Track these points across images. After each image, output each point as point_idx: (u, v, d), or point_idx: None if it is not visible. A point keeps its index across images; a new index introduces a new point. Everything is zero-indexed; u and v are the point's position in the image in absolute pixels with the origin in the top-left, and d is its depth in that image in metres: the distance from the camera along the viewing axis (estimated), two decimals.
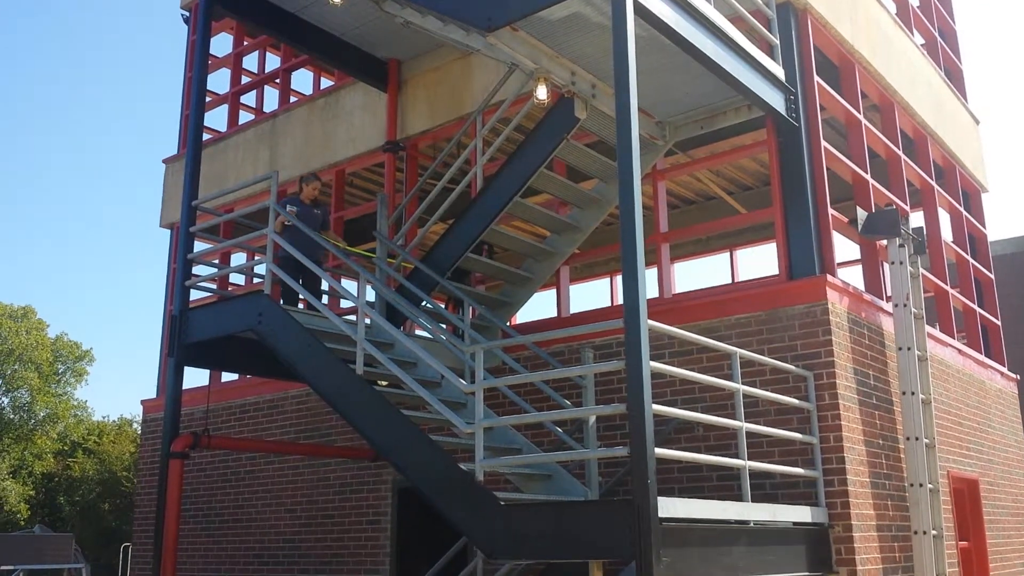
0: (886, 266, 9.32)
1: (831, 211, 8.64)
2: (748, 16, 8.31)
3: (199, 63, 9.89)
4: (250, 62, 14.30)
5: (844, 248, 11.83)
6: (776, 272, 8.65)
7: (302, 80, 18.53)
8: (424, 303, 9.46)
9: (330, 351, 7.91)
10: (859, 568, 7.50)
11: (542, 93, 8.53)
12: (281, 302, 9.15)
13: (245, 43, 13.95)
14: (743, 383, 7.28)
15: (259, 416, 12.10)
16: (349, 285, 13.97)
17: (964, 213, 12.62)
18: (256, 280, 12.51)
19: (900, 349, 8.82)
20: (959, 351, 11.04)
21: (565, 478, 7.59)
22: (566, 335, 8.83)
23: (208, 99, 13.05)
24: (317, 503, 11.20)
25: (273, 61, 14.12)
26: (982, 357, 11.90)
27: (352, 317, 9.71)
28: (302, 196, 10.03)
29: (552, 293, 11.14)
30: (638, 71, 6.46)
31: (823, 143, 8.81)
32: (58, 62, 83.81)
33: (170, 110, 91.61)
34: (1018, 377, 13.27)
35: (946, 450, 9.74)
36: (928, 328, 9.48)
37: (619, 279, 6.31)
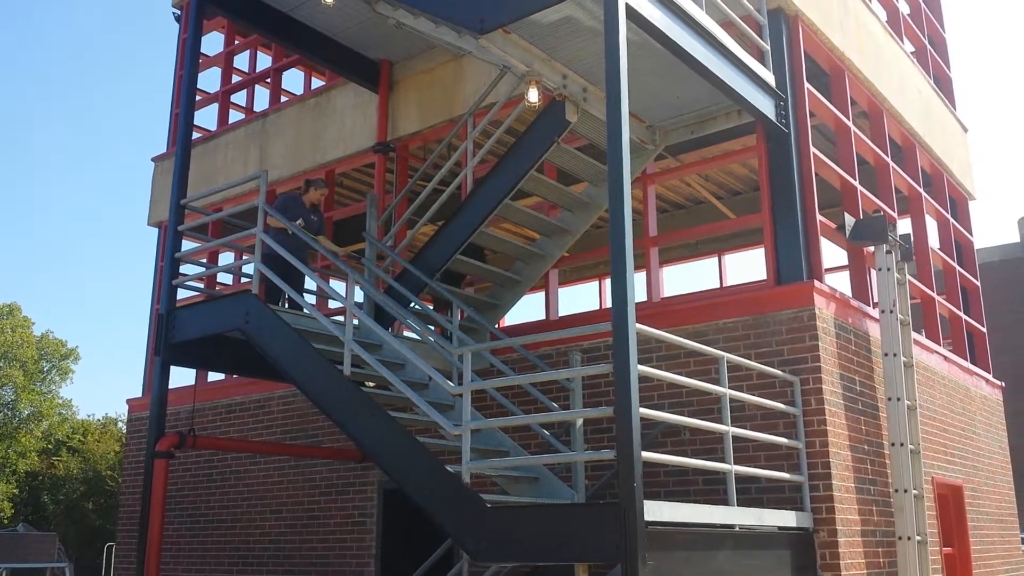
0: (873, 272, 9.36)
1: (819, 217, 8.67)
2: (739, 22, 8.34)
3: (190, 61, 9.86)
4: (241, 61, 14.29)
5: (832, 254, 11.89)
6: (764, 277, 8.68)
7: (293, 80, 18.55)
8: (412, 304, 9.46)
9: (317, 352, 7.89)
10: (843, 573, 7.53)
11: (533, 96, 8.54)
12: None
13: (236, 42, 13.92)
14: (730, 387, 7.31)
15: (245, 416, 12.07)
16: (337, 286, 13.95)
17: (951, 220, 12.69)
18: (244, 280, 12.49)
19: (886, 355, 8.86)
20: (945, 358, 11.09)
21: (552, 481, 7.59)
22: (554, 338, 8.84)
23: (198, 98, 13.05)
24: (303, 504, 11.17)
25: (264, 60, 14.10)
26: (968, 364, 11.96)
27: (340, 318, 9.70)
28: (305, 197, 9.98)
29: (541, 296, 11.15)
30: (629, 75, 6.48)
31: (812, 149, 8.84)
32: (48, 59, 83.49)
33: (161, 107, 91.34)
34: (1003, 384, 13.34)
35: (931, 456, 9.79)
36: (914, 335, 9.52)
37: (608, 282, 6.32)
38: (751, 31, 8.56)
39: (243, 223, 10.29)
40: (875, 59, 10.72)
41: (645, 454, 5.78)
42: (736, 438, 7.47)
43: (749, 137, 9.97)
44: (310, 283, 10.20)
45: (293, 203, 9.79)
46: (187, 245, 10.45)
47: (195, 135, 12.91)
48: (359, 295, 9.92)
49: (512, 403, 8.56)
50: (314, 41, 10.92)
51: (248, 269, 9.82)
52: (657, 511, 5.83)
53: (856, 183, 9.60)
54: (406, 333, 10.36)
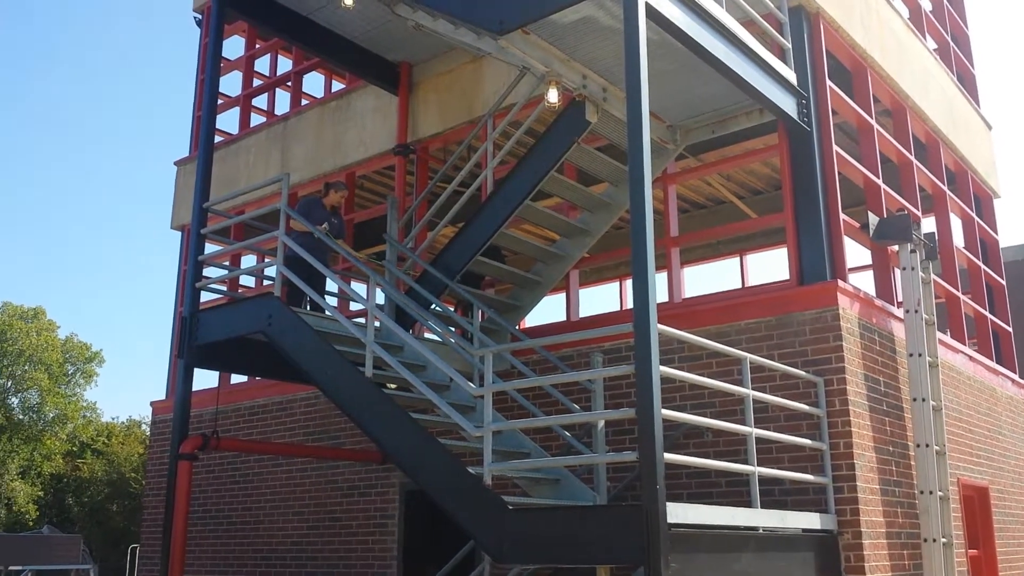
0: (897, 272, 9.28)
1: (842, 216, 8.61)
2: (760, 20, 8.29)
3: (211, 65, 9.92)
4: (262, 65, 14.34)
5: (855, 253, 11.79)
6: (787, 277, 8.62)
7: (313, 83, 18.61)
8: (433, 306, 9.46)
9: (339, 354, 7.91)
10: None
11: (553, 96, 8.52)
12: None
13: (257, 46, 14.00)
14: (753, 388, 7.26)
15: (268, 418, 12.12)
16: (358, 288, 13.98)
17: (976, 219, 12.57)
18: (266, 282, 12.54)
19: (911, 355, 8.78)
20: (970, 358, 10.98)
21: (573, 483, 7.57)
22: (575, 339, 8.81)
23: (220, 101, 13.10)
24: (325, 505, 11.20)
25: (285, 64, 14.16)
26: (993, 364, 11.84)
27: (361, 320, 9.72)
28: (325, 200, 10.03)
29: (562, 297, 11.13)
30: (649, 75, 6.45)
31: (835, 148, 8.78)
32: (69, 62, 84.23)
33: (183, 112, 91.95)
34: None
35: (956, 457, 9.69)
36: (939, 334, 9.43)
37: (629, 283, 6.29)
38: (772, 29, 8.51)
39: (265, 226, 10.33)
40: (897, 56, 10.64)
41: (668, 456, 5.75)
42: (759, 439, 7.43)
43: (771, 136, 9.92)
44: (332, 285, 10.22)
45: (316, 206, 9.83)
46: (210, 248, 10.50)
47: (217, 139, 13.00)
48: (380, 297, 9.95)
49: (533, 405, 8.54)
50: (334, 44, 10.96)
51: (271, 272, 9.86)
52: (680, 513, 5.79)
53: (880, 182, 9.52)
54: (427, 335, 10.37)
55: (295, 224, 9.26)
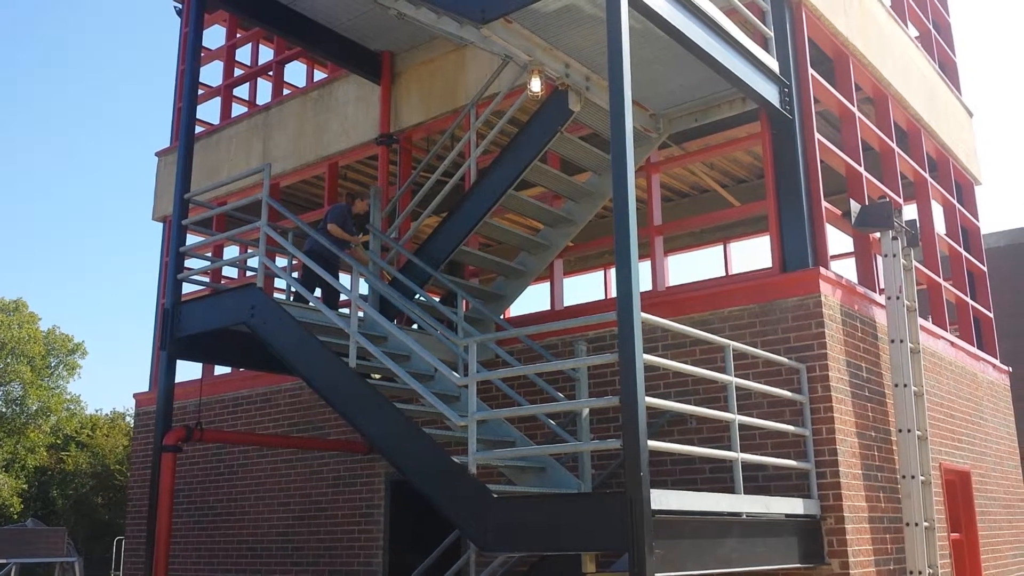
0: (879, 259, 9.33)
1: (824, 204, 8.64)
2: (743, 8, 8.30)
3: (191, 55, 9.86)
4: (243, 54, 14.26)
5: (837, 241, 11.84)
6: (769, 265, 8.66)
7: (295, 72, 18.52)
8: (417, 296, 9.45)
9: (323, 344, 7.89)
10: (851, 560, 7.53)
11: (536, 85, 8.51)
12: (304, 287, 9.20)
13: (238, 35, 13.90)
14: (736, 376, 7.29)
15: (252, 409, 12.09)
16: (343, 278, 13.94)
17: (957, 205, 12.64)
18: (249, 273, 12.50)
19: (893, 341, 8.84)
20: (951, 343, 11.06)
21: (558, 471, 7.59)
22: (560, 328, 8.78)
23: (201, 92, 13.05)
24: (310, 496, 11.20)
25: (266, 53, 14.08)
26: (974, 349, 11.93)
27: (345, 310, 9.70)
28: (354, 209, 10.15)
29: (546, 286, 11.16)
30: (632, 63, 6.45)
31: (817, 136, 8.81)
32: (47, 51, 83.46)
33: (164, 101, 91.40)
34: (1010, 369, 13.30)
35: (938, 442, 9.77)
36: (921, 320, 9.50)
37: (613, 272, 6.30)
38: (754, 17, 8.52)
39: (247, 217, 10.29)
40: (879, 44, 10.67)
41: (651, 443, 5.78)
42: (743, 426, 7.47)
43: (753, 124, 9.93)
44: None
45: (348, 215, 9.99)
46: (192, 239, 10.45)
47: (198, 129, 12.93)
48: (364, 287, 9.93)
49: (518, 393, 8.56)
50: (315, 33, 10.91)
51: (253, 263, 9.82)
52: (664, 500, 5.82)
53: (861, 169, 9.57)
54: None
55: (335, 229, 9.56)
